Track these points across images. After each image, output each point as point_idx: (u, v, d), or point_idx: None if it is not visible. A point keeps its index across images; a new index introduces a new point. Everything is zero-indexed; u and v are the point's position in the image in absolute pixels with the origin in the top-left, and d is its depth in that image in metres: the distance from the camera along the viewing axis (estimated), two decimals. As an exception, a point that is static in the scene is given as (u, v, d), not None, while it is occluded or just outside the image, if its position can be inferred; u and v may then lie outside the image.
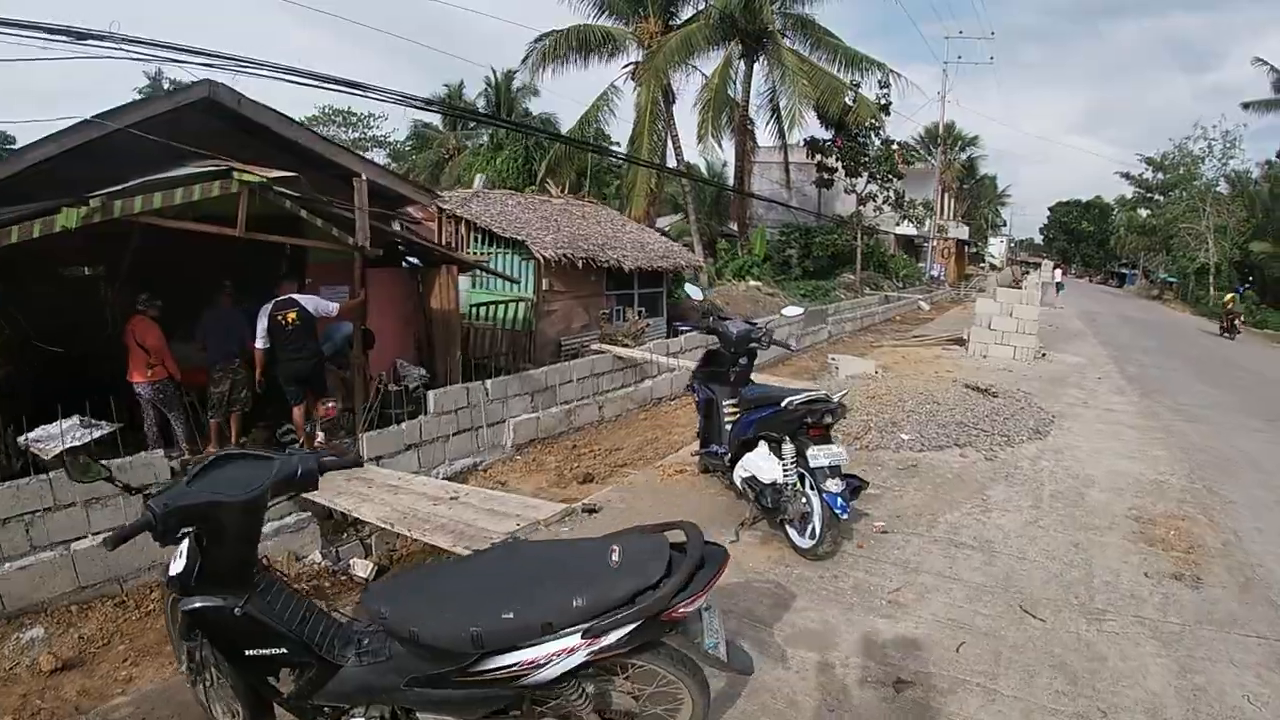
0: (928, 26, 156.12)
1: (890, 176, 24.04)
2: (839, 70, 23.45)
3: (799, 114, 21.46)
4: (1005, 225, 66.25)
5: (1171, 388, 10.78)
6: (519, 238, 11.11)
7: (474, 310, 12.20)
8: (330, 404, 7.40)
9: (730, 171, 27.55)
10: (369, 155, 47.52)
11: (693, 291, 5.31)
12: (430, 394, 7.61)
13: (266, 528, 5.70)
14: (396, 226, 8.55)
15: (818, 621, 3.46)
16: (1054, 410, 8.26)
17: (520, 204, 13.50)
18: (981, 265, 53.14)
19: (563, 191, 17.13)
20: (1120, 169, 46.59)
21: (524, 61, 23.08)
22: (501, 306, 11.80)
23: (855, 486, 4.07)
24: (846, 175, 23.99)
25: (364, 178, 7.32)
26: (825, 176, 24.48)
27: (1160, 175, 40.88)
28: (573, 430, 8.97)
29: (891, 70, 23.42)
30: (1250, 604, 3.82)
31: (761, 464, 4.16)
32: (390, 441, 7.17)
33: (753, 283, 22.39)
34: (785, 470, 4.05)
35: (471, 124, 35.96)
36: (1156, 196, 42.53)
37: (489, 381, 8.12)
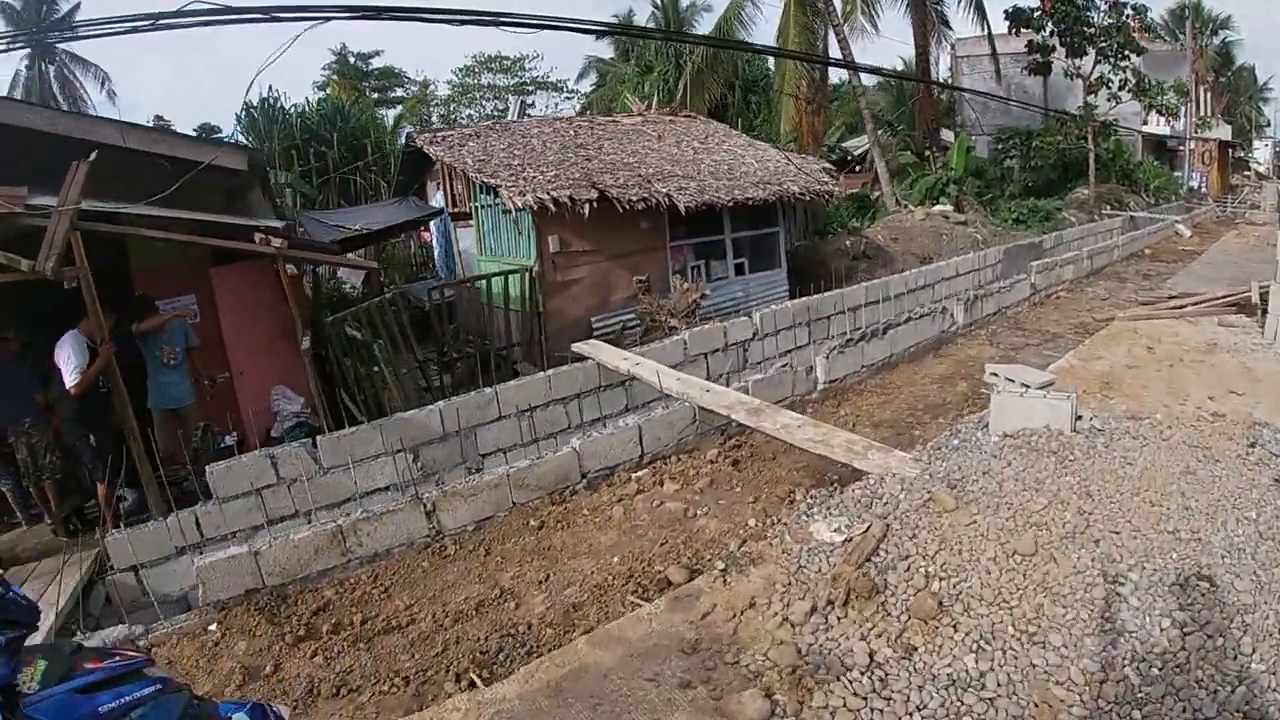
0: None
1: (1125, 52, 16.55)
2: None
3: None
4: (1269, 125, 48.52)
5: None
6: (493, 182, 7.50)
7: (485, 284, 8.96)
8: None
9: (935, 71, 21.25)
10: (531, 98, 44.13)
11: None
12: (211, 469, 4.52)
13: None
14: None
15: None
16: None
17: (554, 131, 9.83)
18: (1245, 174, 40.26)
19: (650, 108, 13.06)
20: None
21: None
22: (503, 280, 8.39)
23: None
24: (1068, 55, 16.99)
25: (89, 158, 4.43)
26: (1039, 60, 17.55)
27: None
28: (359, 563, 4.40)
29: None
30: None
31: None
32: (152, 543, 4.32)
33: (938, 208, 16.57)
34: None
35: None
36: None
37: (325, 438, 4.80)
